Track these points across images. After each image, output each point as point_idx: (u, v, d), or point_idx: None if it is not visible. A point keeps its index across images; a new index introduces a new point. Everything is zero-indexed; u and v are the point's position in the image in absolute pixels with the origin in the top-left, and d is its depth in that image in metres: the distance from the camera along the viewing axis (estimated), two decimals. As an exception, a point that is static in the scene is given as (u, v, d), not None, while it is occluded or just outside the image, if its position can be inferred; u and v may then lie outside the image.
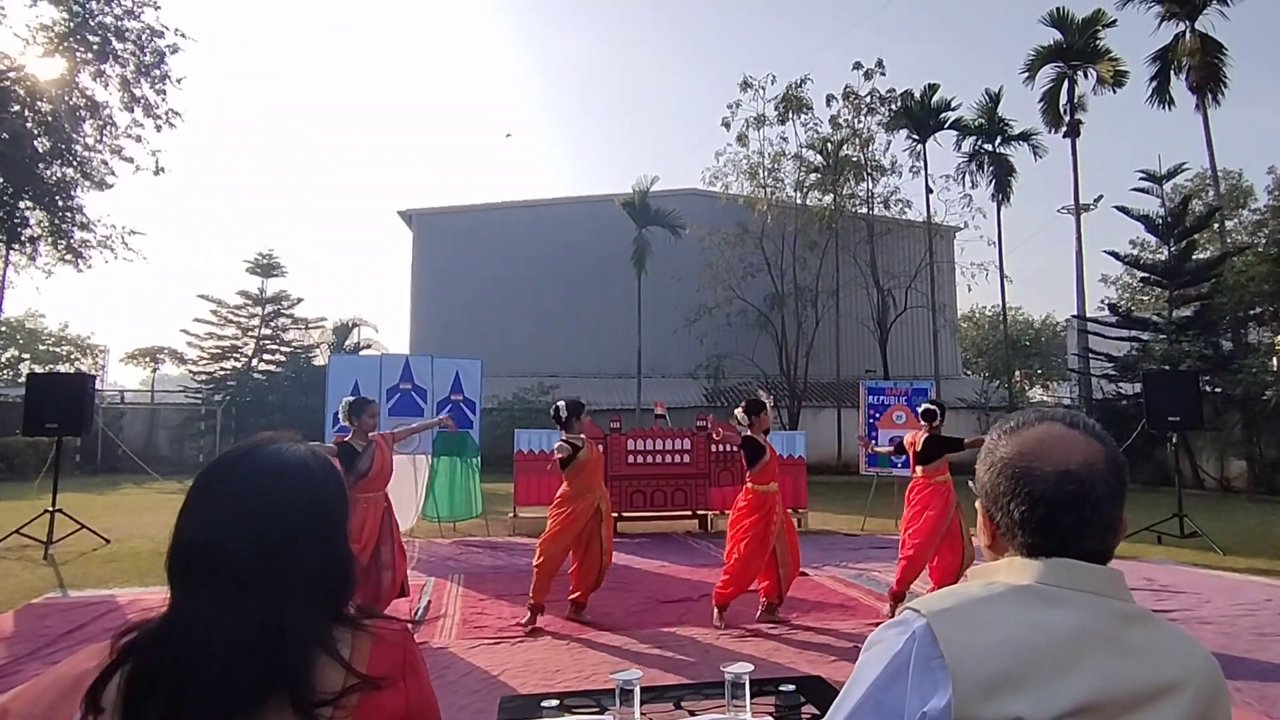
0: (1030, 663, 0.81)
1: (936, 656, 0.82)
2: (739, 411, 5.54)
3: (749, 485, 5.39)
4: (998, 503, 0.95)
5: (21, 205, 16.44)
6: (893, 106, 21.71)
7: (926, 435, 5.67)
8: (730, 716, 2.03)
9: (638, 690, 2.03)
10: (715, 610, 5.33)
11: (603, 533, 5.30)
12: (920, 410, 5.88)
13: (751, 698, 2.07)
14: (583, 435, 5.39)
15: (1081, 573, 0.89)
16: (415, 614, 5.53)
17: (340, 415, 5.20)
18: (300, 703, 0.84)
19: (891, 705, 0.83)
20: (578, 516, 5.22)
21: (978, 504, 1.01)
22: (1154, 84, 19.72)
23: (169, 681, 0.83)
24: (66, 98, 16.15)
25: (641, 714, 2.05)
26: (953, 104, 21.91)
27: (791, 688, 2.30)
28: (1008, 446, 0.96)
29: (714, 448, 10.00)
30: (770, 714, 2.15)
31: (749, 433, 5.44)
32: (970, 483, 1.07)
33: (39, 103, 15.93)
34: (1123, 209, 18.68)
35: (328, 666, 0.88)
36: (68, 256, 17.32)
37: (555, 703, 2.21)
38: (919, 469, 5.68)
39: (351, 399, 5.12)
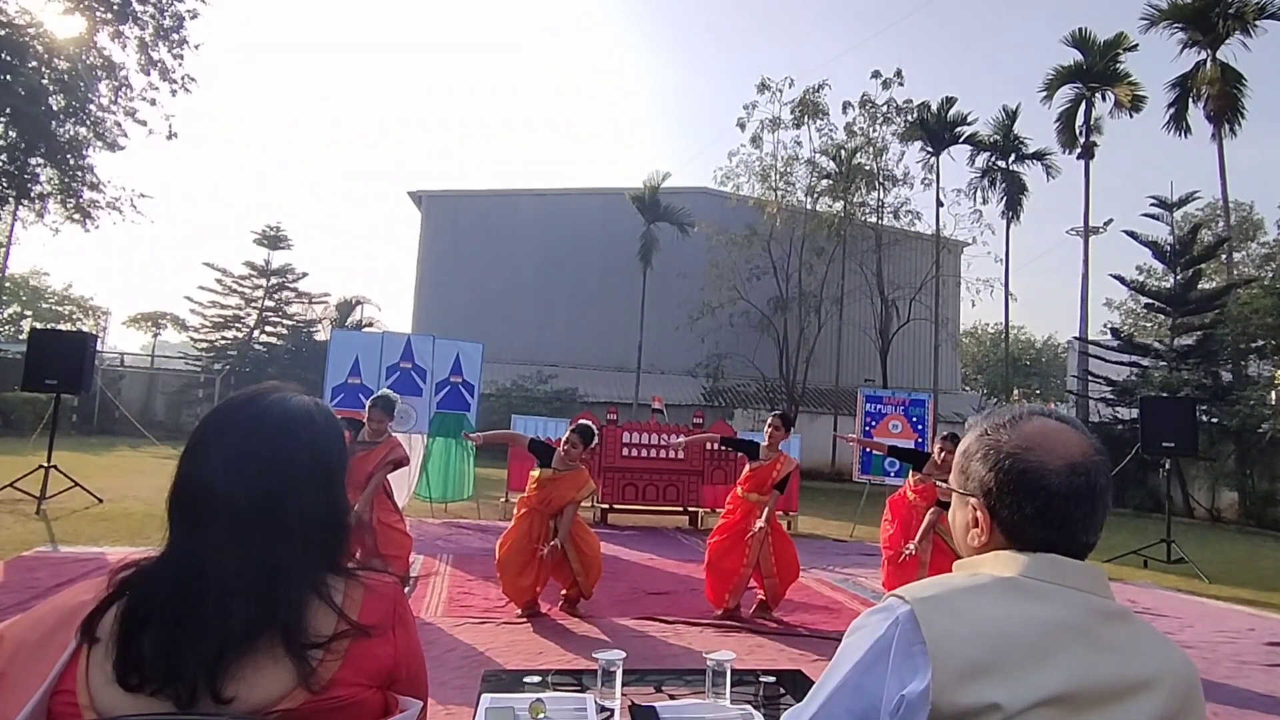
0: (1008, 652, 0.82)
1: (918, 642, 0.83)
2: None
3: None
4: (1005, 499, 0.93)
5: (33, 161, 16.45)
6: (909, 117, 21.68)
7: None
8: (710, 702, 2.05)
9: (620, 671, 2.05)
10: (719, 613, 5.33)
11: (569, 553, 5.06)
12: (947, 434, 5.76)
13: (731, 687, 2.09)
14: (580, 460, 5.24)
15: (1066, 568, 0.90)
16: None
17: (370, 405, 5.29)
18: (292, 643, 0.86)
19: (870, 688, 0.85)
20: (525, 533, 5.04)
21: (971, 502, 0.97)
22: (1171, 110, 19.68)
23: (165, 614, 0.85)
24: (84, 57, 16.13)
25: (622, 695, 2.07)
26: (969, 118, 21.92)
27: (771, 679, 2.32)
28: (1011, 441, 0.94)
29: (708, 446, 10.02)
30: (749, 703, 2.17)
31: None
32: (939, 482, 1.04)
33: (56, 60, 15.90)
34: (1131, 234, 18.71)
35: (320, 611, 0.90)
36: (76, 215, 17.32)
37: (538, 679, 2.23)
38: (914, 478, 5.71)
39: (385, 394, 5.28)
